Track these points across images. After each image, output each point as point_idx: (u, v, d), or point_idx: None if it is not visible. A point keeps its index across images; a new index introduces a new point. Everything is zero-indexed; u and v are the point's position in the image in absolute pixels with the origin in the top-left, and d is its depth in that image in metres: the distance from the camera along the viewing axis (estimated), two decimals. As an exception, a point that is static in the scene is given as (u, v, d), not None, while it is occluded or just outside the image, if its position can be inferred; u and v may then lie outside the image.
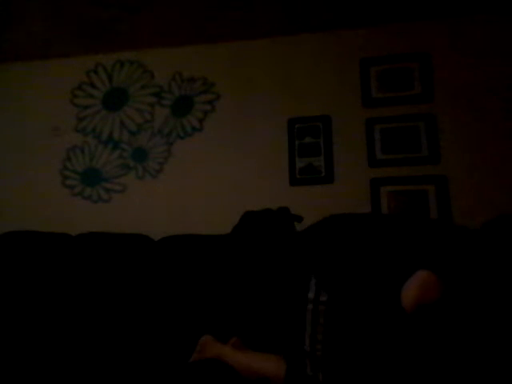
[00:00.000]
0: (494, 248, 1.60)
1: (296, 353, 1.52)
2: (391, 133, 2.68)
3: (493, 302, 1.41)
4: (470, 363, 1.33)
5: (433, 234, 1.50)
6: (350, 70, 2.80)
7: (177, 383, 1.65)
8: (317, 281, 1.48)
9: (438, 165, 2.59)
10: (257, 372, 1.64)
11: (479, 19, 2.68)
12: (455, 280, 1.34)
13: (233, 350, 1.81)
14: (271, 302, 2.00)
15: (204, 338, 1.94)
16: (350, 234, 1.53)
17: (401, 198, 2.59)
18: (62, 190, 3.01)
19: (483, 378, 1.31)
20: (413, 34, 2.76)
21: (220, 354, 1.81)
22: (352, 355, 1.39)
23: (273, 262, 1.79)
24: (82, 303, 2.35)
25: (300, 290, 1.52)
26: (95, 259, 2.47)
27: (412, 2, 2.57)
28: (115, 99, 3.09)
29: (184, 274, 2.36)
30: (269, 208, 1.94)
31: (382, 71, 2.76)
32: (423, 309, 1.29)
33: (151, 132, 2.99)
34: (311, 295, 1.48)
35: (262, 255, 1.79)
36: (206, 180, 2.86)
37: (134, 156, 2.98)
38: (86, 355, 2.08)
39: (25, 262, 2.50)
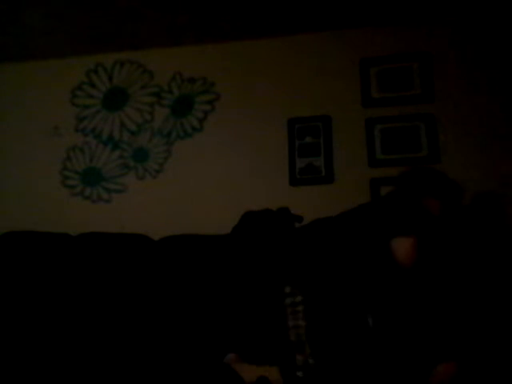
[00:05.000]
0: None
1: (285, 353, 1.56)
2: (391, 133, 2.68)
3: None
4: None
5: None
6: (350, 69, 2.80)
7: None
8: (292, 285, 1.60)
9: (438, 165, 2.58)
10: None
11: (479, 19, 2.68)
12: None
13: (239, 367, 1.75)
14: (267, 306, 2.00)
15: (229, 356, 1.81)
16: (319, 242, 1.71)
17: (401, 198, 2.59)
18: (61, 190, 3.00)
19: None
20: (413, 34, 2.76)
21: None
22: (335, 344, 1.53)
23: (272, 263, 1.79)
24: (83, 303, 2.35)
25: (277, 293, 1.61)
26: (95, 259, 2.48)
27: (412, 3, 2.57)
28: (115, 99, 3.08)
29: (184, 274, 2.36)
30: (268, 208, 1.94)
31: (381, 71, 2.76)
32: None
33: (151, 132, 2.99)
34: (288, 301, 1.56)
35: (261, 256, 1.80)
36: (205, 180, 2.86)
37: (134, 156, 2.98)
38: (86, 355, 2.08)
39: (25, 262, 2.50)
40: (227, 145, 2.88)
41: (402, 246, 1.53)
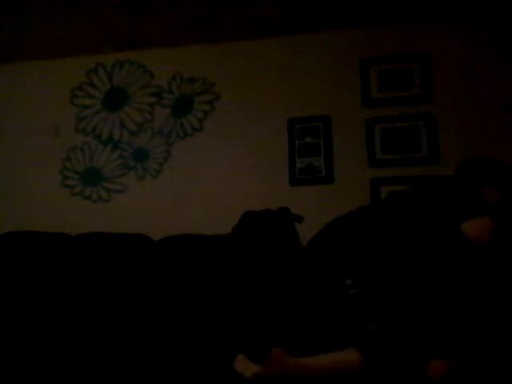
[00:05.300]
0: None
1: (361, 336, 1.62)
2: (391, 133, 2.68)
3: None
4: None
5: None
6: (350, 69, 2.80)
7: None
8: (353, 278, 1.64)
9: (438, 165, 2.58)
10: (336, 368, 1.66)
11: (479, 19, 2.68)
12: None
13: (303, 359, 1.73)
14: (279, 302, 1.99)
15: (274, 350, 1.79)
16: (368, 232, 1.73)
17: (401, 198, 2.58)
18: (62, 190, 3.01)
19: None
20: (413, 34, 2.76)
21: (293, 368, 1.72)
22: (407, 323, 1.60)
23: (273, 262, 1.79)
24: (82, 303, 2.35)
25: (335, 287, 1.68)
26: (95, 259, 2.48)
27: (412, 3, 2.57)
28: (115, 99, 3.08)
29: (184, 274, 2.36)
30: (268, 208, 1.95)
31: (381, 71, 2.76)
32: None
33: (151, 132, 2.99)
34: (352, 290, 1.62)
35: (262, 255, 1.80)
36: (205, 180, 2.86)
37: (134, 156, 2.98)
38: (85, 355, 2.08)
39: (25, 262, 2.50)
40: (227, 145, 2.88)
41: (475, 226, 1.54)
